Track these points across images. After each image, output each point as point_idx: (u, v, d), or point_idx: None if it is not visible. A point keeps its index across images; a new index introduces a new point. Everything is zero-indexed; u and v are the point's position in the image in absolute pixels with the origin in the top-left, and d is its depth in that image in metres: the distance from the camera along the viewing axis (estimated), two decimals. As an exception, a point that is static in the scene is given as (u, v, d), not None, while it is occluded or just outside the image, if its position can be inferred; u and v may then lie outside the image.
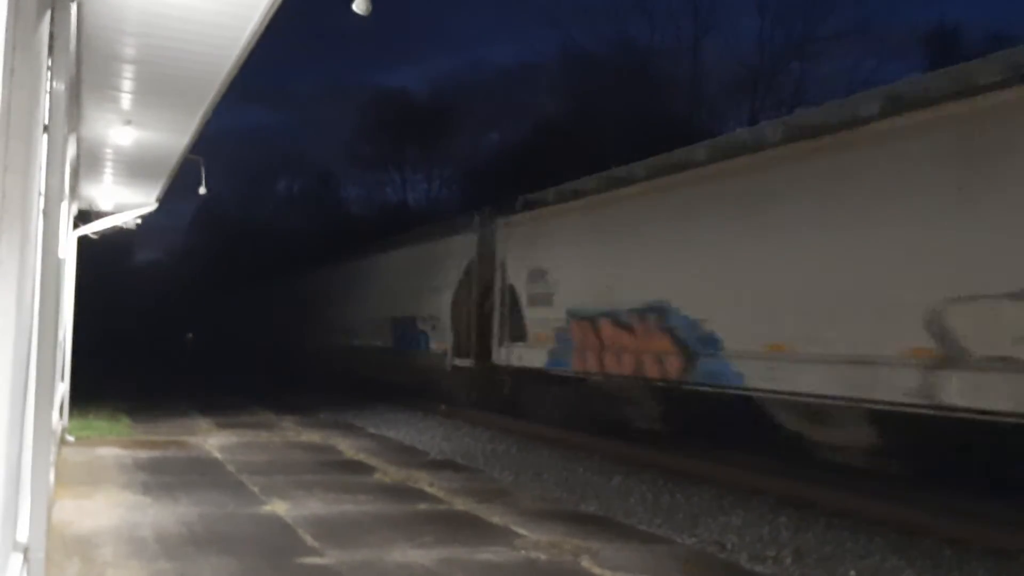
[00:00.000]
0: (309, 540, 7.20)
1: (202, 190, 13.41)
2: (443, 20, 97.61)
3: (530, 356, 16.89)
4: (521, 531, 7.74)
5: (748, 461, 12.00)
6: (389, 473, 10.85)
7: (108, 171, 11.33)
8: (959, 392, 8.49)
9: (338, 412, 19.60)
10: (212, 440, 13.53)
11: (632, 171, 14.85)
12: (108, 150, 10.08)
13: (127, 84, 7.53)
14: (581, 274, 15.39)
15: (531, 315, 16.96)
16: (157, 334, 59.86)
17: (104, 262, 35.40)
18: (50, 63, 4.64)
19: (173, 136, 9.26)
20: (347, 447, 13.26)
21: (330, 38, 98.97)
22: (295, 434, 14.86)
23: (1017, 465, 8.88)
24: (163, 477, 10.04)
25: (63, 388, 12.44)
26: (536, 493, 10.31)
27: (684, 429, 14.00)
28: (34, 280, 4.33)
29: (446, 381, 21.24)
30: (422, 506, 8.85)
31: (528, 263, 17.19)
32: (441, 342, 21.29)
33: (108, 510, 8.17)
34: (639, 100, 35.65)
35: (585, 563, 6.73)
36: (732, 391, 11.69)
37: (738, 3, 50.76)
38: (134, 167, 10.97)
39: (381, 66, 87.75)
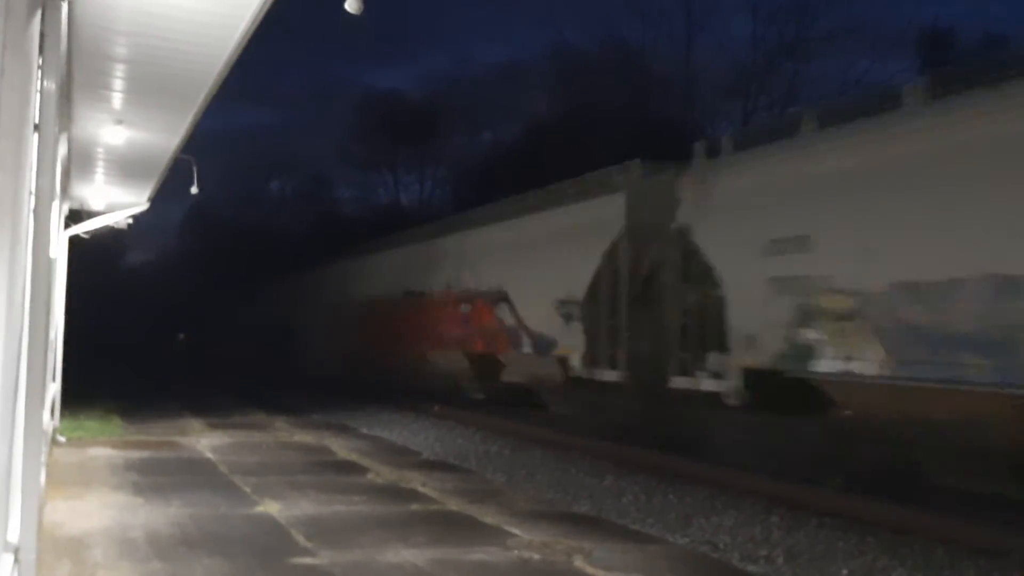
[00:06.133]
0: (302, 540, 7.19)
1: (194, 190, 13.37)
2: (434, 19, 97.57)
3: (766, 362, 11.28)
4: (514, 531, 7.74)
5: (740, 462, 12.01)
6: (382, 473, 10.83)
7: (99, 171, 11.29)
8: None
9: (331, 413, 19.58)
10: (204, 440, 13.49)
11: None
12: (99, 149, 10.04)
13: (118, 83, 7.51)
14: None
15: (768, 304, 11.18)
16: (149, 334, 59.73)
17: (96, 262, 35.15)
18: (41, 62, 4.63)
19: (164, 136, 9.23)
20: (340, 447, 13.24)
21: (322, 38, 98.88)
22: (287, 435, 14.84)
23: None
24: (155, 478, 10.01)
25: (54, 388, 12.40)
26: (529, 493, 10.31)
27: None
28: (25, 280, 4.31)
29: (559, 396, 16.44)
30: (415, 506, 8.84)
31: (760, 230, 11.41)
32: (563, 345, 15.76)
33: (99, 511, 8.14)
34: (631, 100, 35.67)
35: (578, 563, 6.73)
36: None
37: (731, 3, 50.87)
38: (125, 167, 10.94)
39: (373, 66, 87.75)
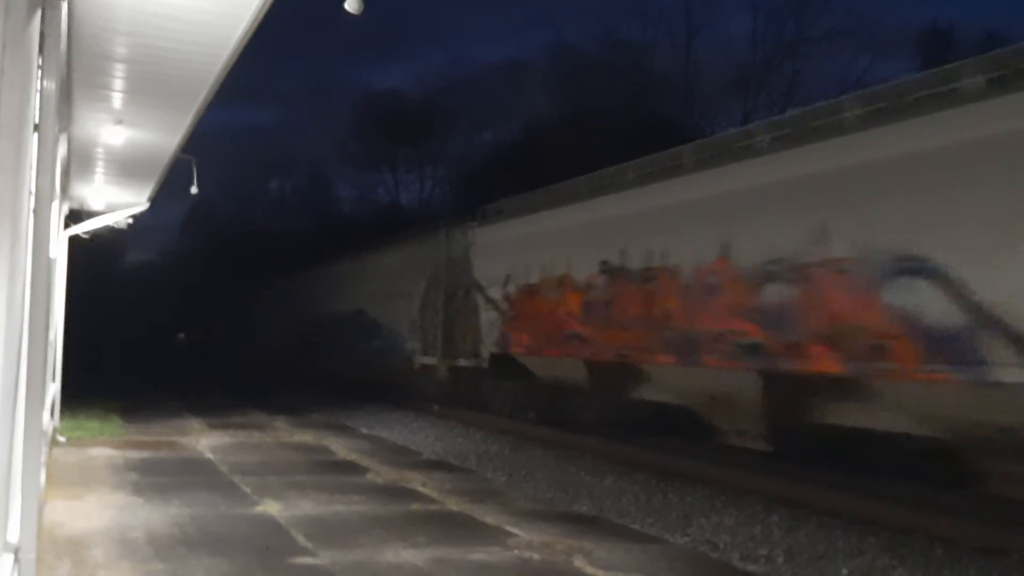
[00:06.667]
0: (302, 540, 7.19)
1: (193, 190, 13.37)
2: (434, 19, 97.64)
3: None
4: (514, 531, 7.74)
5: (740, 461, 12.01)
6: (382, 473, 10.83)
7: (99, 170, 11.30)
8: None
9: (330, 413, 19.58)
10: (204, 440, 13.49)
11: None
12: (99, 149, 10.05)
13: (118, 83, 7.52)
14: None
15: None
16: (149, 334, 59.71)
17: (95, 262, 34.94)
18: (40, 62, 4.63)
19: (164, 135, 9.24)
20: (340, 447, 13.24)
21: (322, 38, 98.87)
22: (287, 434, 14.84)
23: None
24: (155, 478, 10.01)
25: (54, 388, 12.40)
26: (529, 493, 10.31)
27: None
28: (24, 280, 4.31)
29: None
30: (415, 506, 8.84)
31: None
32: None
33: (99, 511, 8.14)
34: (631, 99, 35.67)
35: (578, 563, 6.73)
36: None
37: (730, 2, 50.91)
38: (125, 166, 10.94)
39: (372, 65, 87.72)
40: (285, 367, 33.10)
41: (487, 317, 18.08)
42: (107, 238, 17.95)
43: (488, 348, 18.04)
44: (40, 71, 4.64)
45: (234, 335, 44.52)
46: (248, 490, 9.37)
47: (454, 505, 8.92)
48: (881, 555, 7.91)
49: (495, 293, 17.86)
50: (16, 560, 4.32)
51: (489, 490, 10.11)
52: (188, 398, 21.91)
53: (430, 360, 20.67)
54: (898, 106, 10.21)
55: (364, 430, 16.44)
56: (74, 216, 13.58)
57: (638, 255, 13.64)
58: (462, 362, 19.17)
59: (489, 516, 8.34)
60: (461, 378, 19.47)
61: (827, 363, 10.35)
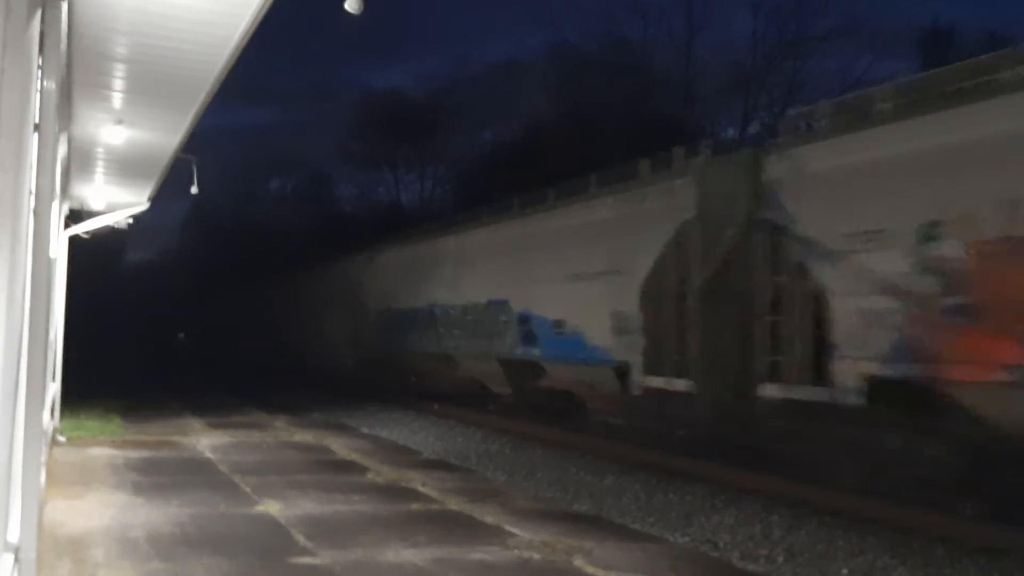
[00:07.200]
0: (302, 540, 7.19)
1: (194, 190, 13.37)
2: (434, 19, 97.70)
3: None
4: (514, 530, 7.74)
5: (740, 461, 12.01)
6: (382, 473, 10.83)
7: (99, 170, 11.29)
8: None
9: (331, 412, 19.58)
10: (204, 440, 13.49)
11: None
12: (99, 149, 10.04)
13: (118, 83, 7.51)
14: None
15: None
16: (149, 334, 59.75)
17: (95, 262, 34.84)
18: (40, 62, 4.63)
19: (165, 135, 9.23)
20: (340, 447, 13.24)
21: (322, 38, 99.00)
22: (288, 434, 14.83)
23: None
24: (155, 477, 10.01)
25: (54, 388, 12.40)
26: (529, 493, 10.31)
27: None
28: (25, 280, 4.31)
29: None
30: (415, 506, 8.84)
31: None
32: None
33: (100, 510, 8.14)
34: (632, 99, 35.66)
35: (578, 562, 6.73)
36: None
37: (731, 2, 50.90)
38: (125, 166, 10.94)
39: (373, 65, 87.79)
40: (355, 378, 27.18)
41: (849, 308, 10.37)
42: (107, 238, 17.95)
43: (857, 367, 10.23)
44: (40, 71, 4.64)
45: (235, 335, 44.45)
46: (248, 490, 9.37)
47: (454, 505, 8.92)
48: (882, 554, 7.91)
49: (886, 260, 9.90)
50: (16, 560, 4.32)
51: (489, 490, 10.11)
52: (188, 397, 21.91)
53: (671, 383, 13.11)
54: None
55: (364, 430, 16.44)
56: (74, 216, 13.57)
57: None
58: (768, 391, 11.44)
59: (489, 516, 8.34)
60: (758, 419, 11.68)
61: None
